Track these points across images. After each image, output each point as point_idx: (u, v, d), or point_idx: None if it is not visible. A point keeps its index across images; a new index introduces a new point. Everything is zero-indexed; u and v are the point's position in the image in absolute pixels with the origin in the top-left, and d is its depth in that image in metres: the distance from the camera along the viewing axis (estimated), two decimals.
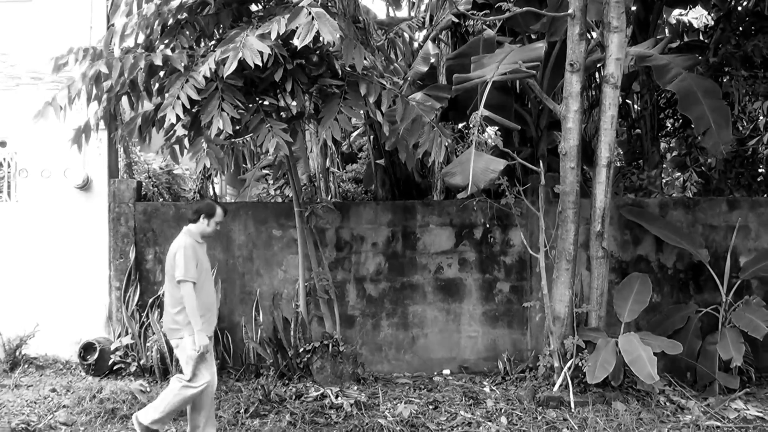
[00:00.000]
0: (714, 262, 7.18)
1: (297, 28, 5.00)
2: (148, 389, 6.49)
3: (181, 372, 5.09)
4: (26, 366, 7.44)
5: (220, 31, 6.33)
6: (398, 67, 9.13)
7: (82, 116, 6.31)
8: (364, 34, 6.47)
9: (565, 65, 6.51)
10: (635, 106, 10.76)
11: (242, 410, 6.05)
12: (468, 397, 6.54)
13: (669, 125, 10.70)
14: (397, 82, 7.31)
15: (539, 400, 6.22)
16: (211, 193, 10.73)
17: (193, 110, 5.75)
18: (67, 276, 7.68)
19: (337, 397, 6.34)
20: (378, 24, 7.81)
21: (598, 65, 7.69)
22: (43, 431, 5.69)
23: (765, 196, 8.88)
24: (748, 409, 6.08)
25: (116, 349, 7.22)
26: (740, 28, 8.78)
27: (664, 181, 10.89)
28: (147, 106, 6.42)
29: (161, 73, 5.99)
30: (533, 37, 8.71)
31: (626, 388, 6.40)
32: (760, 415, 5.96)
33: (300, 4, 5.13)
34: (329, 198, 9.34)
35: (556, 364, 6.41)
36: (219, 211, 5.30)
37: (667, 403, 6.18)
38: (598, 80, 9.26)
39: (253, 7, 6.60)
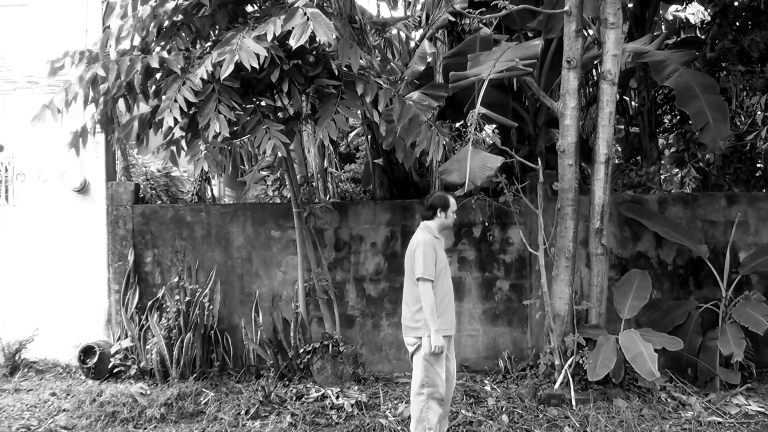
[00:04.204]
0: (713, 257, 7.17)
1: (293, 28, 4.99)
2: (149, 392, 6.46)
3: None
4: (26, 370, 7.44)
5: (216, 32, 6.31)
6: (395, 66, 9.12)
7: (79, 119, 6.29)
8: (360, 34, 6.47)
9: (562, 62, 6.51)
10: (633, 103, 10.74)
11: (243, 412, 6.04)
12: (469, 396, 6.53)
13: (667, 121, 10.69)
14: (394, 81, 7.30)
15: (540, 398, 6.21)
16: (210, 195, 10.71)
17: (190, 112, 5.74)
18: (66, 279, 7.67)
19: (337, 397, 6.33)
20: (374, 23, 7.80)
21: (595, 62, 7.70)
22: None
23: (764, 191, 8.86)
24: (750, 405, 6.07)
25: (116, 352, 7.21)
26: (737, 23, 8.76)
27: (662, 177, 10.88)
28: (144, 108, 6.41)
29: (158, 75, 5.98)
30: (530, 34, 8.71)
31: (627, 385, 6.41)
32: (762, 410, 5.95)
33: (295, 5, 5.11)
34: (327, 198, 9.31)
35: (557, 362, 6.41)
36: (452, 200, 5.10)
37: (669, 400, 6.18)
38: (595, 77, 9.25)
39: (249, 8, 6.59)
